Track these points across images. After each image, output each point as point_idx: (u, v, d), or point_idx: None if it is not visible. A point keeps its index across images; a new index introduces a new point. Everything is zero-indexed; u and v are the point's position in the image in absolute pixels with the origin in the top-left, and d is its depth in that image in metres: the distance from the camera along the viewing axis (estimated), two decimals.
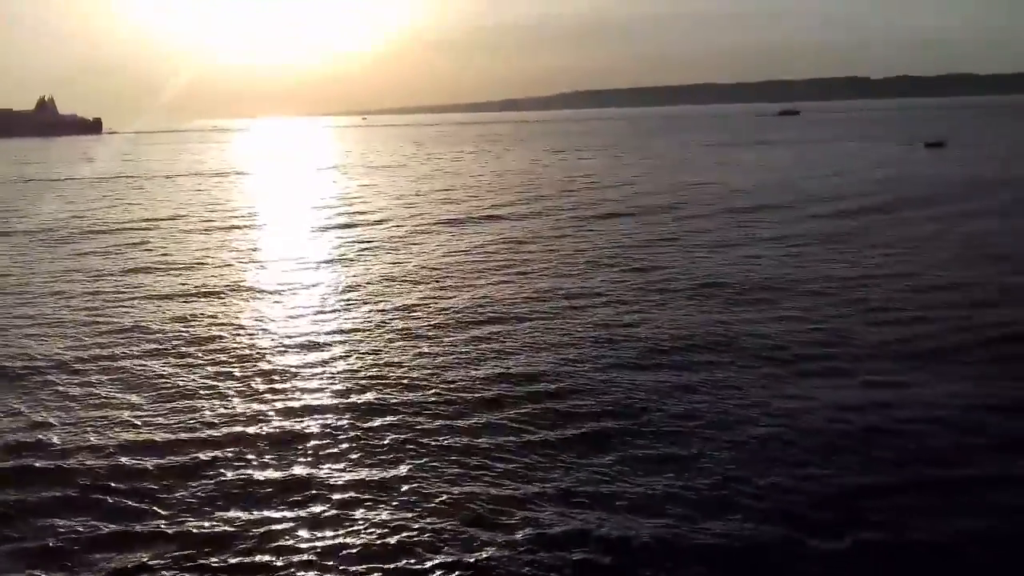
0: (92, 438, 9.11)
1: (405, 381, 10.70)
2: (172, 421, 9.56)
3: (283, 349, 12.41)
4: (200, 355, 12.15)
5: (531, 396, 10.08)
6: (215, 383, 10.87)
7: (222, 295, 16.35)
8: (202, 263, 20.31)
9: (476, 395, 10.16)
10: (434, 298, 15.49)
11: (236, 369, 11.42)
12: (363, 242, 22.62)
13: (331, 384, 10.73)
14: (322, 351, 12.21)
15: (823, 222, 23.72)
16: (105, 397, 10.45)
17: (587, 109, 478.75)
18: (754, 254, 19.07)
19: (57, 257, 21.49)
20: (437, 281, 17.10)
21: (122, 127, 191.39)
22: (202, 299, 15.99)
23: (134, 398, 10.39)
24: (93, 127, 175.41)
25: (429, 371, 11.07)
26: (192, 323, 14.12)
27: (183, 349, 12.54)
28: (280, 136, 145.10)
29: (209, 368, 11.54)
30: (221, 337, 13.14)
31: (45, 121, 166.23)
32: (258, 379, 10.96)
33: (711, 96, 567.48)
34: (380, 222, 26.73)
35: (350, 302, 15.39)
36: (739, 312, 13.85)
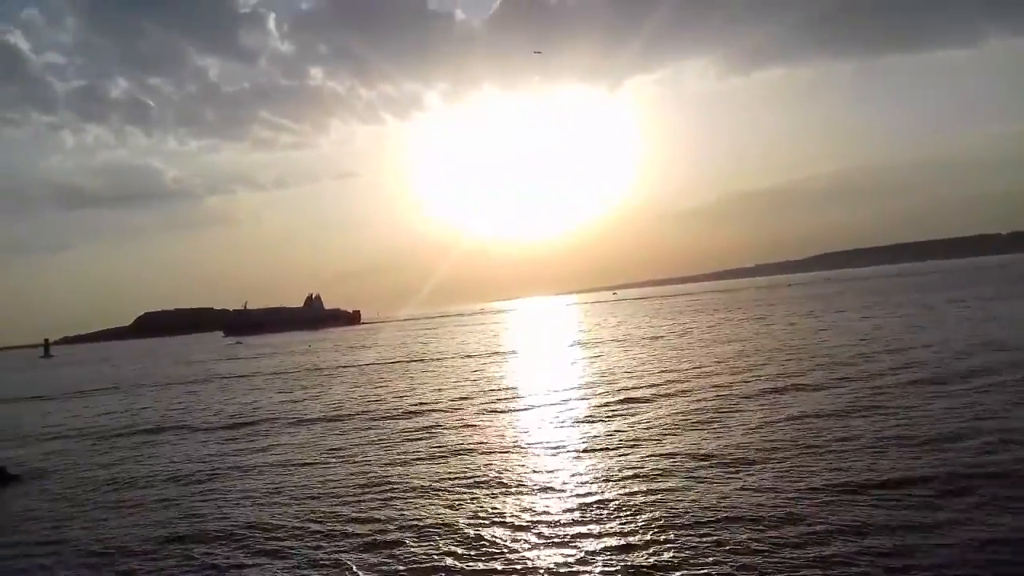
0: None
1: None
2: None
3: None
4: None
5: None
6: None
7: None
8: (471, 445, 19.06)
9: None
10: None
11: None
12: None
13: None
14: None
15: None
16: None
17: (846, 269, 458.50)
18: None
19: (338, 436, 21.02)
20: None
21: (374, 317, 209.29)
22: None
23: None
24: (353, 319, 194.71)
25: None
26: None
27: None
28: (539, 315, 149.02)
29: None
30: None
31: (312, 316, 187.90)
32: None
33: (986, 247, 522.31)
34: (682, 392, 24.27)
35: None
36: None
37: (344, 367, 51.72)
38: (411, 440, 20.90)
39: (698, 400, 22.98)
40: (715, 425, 18.69)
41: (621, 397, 25.02)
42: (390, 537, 12.12)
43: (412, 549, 11.44)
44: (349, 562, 11.12)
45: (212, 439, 24.77)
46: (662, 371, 31.11)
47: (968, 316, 43.75)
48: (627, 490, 13.54)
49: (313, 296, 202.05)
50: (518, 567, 10.29)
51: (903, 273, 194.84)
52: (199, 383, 50.63)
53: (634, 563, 10.06)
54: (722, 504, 12.10)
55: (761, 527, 10.92)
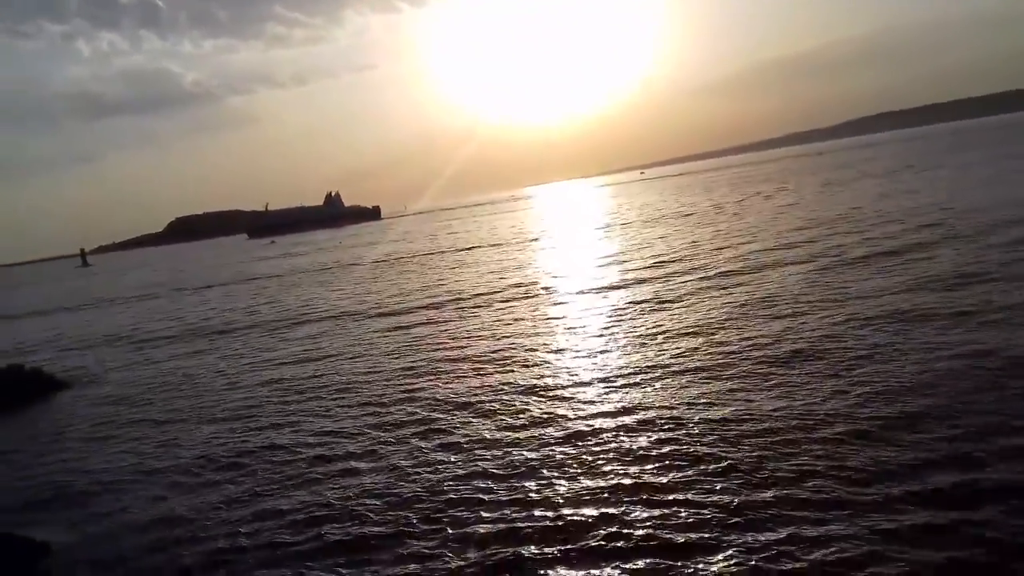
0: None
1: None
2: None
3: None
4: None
5: None
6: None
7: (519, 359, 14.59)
8: (494, 331, 19.15)
9: None
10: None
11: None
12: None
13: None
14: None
15: None
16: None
17: (881, 133, 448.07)
18: None
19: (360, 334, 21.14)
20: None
21: (401, 212, 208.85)
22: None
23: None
24: (373, 215, 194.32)
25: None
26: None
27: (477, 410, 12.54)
28: (569, 200, 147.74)
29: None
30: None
31: (332, 213, 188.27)
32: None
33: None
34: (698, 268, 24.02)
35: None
36: None
37: (376, 262, 51.89)
38: (454, 322, 20.99)
39: (754, 285, 22.52)
40: (787, 310, 18.26)
41: (640, 276, 24.99)
42: (442, 421, 12.25)
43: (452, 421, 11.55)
44: (423, 447, 11.26)
45: (263, 338, 25.07)
46: (687, 248, 30.77)
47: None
48: (641, 360, 13.48)
49: (333, 194, 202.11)
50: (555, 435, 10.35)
51: (933, 135, 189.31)
52: (243, 283, 51.19)
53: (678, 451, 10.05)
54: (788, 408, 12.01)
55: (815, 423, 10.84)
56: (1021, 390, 10.10)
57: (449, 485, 9.79)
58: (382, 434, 12.34)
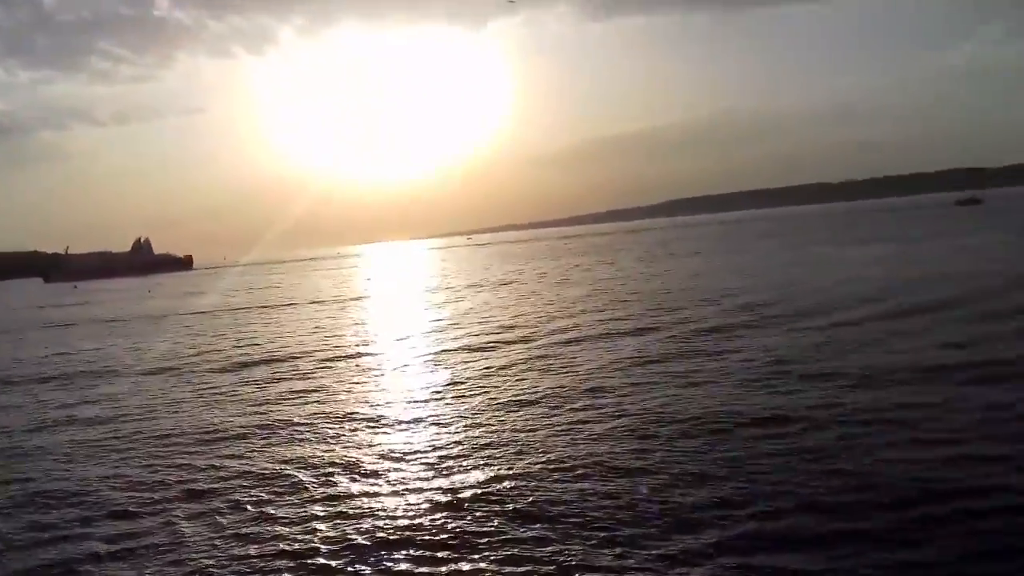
0: None
1: None
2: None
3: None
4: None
5: None
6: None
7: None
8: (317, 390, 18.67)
9: None
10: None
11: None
12: (495, 366, 20.23)
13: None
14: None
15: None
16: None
17: (698, 215, 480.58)
18: None
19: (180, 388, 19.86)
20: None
21: (220, 263, 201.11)
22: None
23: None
24: (185, 264, 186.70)
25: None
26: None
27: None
28: (394, 260, 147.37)
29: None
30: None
31: (141, 261, 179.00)
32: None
33: (828, 195, 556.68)
34: (516, 341, 24.39)
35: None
36: None
37: (185, 314, 49.36)
38: (257, 388, 20.14)
39: (540, 345, 23.66)
40: (557, 365, 18.94)
41: (466, 343, 25.47)
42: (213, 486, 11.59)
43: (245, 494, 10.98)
44: (179, 521, 10.55)
45: (55, 392, 23.10)
46: (509, 316, 31.43)
47: (794, 260, 46.36)
48: (462, 433, 13.59)
49: (142, 240, 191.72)
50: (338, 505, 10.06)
51: (746, 219, 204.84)
52: (36, 331, 47.11)
53: (457, 500, 10.03)
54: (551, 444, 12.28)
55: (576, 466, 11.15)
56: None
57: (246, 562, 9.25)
58: (181, 505, 11.53)
